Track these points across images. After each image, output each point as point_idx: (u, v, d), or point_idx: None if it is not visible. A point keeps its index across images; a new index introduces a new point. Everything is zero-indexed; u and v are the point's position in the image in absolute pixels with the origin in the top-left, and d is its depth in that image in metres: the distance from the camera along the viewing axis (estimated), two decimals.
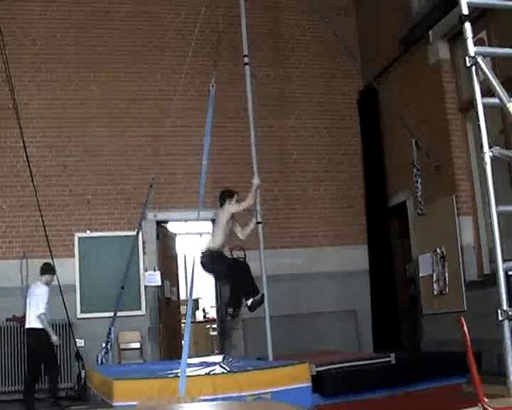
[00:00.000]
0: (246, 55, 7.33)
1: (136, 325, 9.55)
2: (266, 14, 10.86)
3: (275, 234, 9.84)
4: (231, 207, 6.42)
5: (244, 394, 4.93)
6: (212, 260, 6.29)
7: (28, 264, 9.25)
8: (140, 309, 9.64)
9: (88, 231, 9.65)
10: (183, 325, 10.61)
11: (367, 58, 10.76)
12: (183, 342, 6.86)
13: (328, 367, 5.95)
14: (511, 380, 2.94)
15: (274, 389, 5.08)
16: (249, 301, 6.41)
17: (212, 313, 13.00)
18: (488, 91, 3.41)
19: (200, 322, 13.61)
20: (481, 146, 3.25)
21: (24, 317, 8.94)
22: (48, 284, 8.13)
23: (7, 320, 8.95)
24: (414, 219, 9.46)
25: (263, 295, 6.51)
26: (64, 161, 9.75)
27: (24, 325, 8.72)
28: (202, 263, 6.32)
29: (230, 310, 6.43)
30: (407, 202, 9.80)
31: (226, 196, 6.51)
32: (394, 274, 10.23)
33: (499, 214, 3.16)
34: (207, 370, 5.68)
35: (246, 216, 6.97)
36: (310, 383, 5.39)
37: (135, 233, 9.56)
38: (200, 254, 6.40)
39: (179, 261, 11.97)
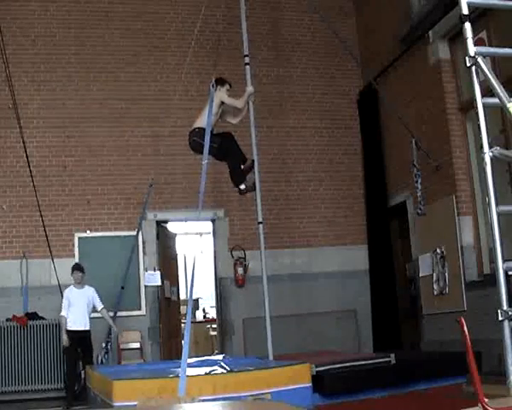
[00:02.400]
0: (246, 55, 7.33)
1: (136, 325, 9.54)
2: (266, 14, 10.85)
3: (275, 234, 9.84)
4: (222, 94, 6.93)
5: (244, 394, 4.93)
6: (202, 138, 6.50)
7: (28, 264, 9.25)
8: (140, 309, 9.64)
9: (88, 231, 9.65)
10: (183, 325, 10.62)
11: (367, 58, 10.75)
12: (183, 342, 6.87)
13: (328, 367, 5.95)
14: (511, 380, 2.94)
15: (274, 389, 5.08)
16: (242, 186, 6.98)
17: (212, 313, 13.00)
18: (488, 91, 3.41)
19: (200, 322, 13.60)
20: (481, 146, 3.25)
21: (25, 317, 8.96)
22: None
23: (7, 320, 8.94)
24: (414, 219, 9.46)
25: (254, 183, 6.99)
26: (64, 161, 9.75)
27: (26, 325, 8.76)
28: (194, 141, 6.78)
29: (242, 186, 6.99)
30: (407, 202, 9.80)
31: (218, 82, 6.97)
32: (394, 274, 10.23)
33: (499, 214, 3.16)
34: (207, 370, 5.67)
35: None
36: (310, 383, 5.39)
37: (135, 233, 9.57)
38: (190, 134, 6.91)
39: (179, 261, 11.97)
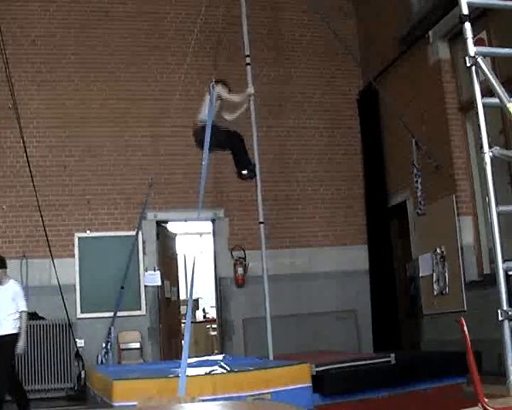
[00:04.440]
0: (247, 56, 7.33)
1: (136, 325, 9.55)
2: (266, 14, 10.86)
3: (275, 234, 9.82)
4: (221, 90, 7.00)
5: (244, 394, 4.92)
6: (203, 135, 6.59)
7: (28, 264, 9.25)
8: (140, 309, 9.64)
9: (88, 231, 9.65)
10: (183, 325, 10.61)
11: (367, 58, 10.76)
12: (183, 342, 6.86)
13: (328, 367, 5.94)
14: (511, 380, 2.94)
15: (274, 389, 5.08)
16: (245, 172, 7.00)
17: (212, 313, 13.00)
18: (488, 91, 3.41)
19: (200, 322, 13.61)
20: (481, 146, 3.25)
21: None
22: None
23: None
24: (414, 219, 9.46)
25: (254, 168, 7.00)
26: (64, 161, 9.75)
27: None
28: (199, 138, 6.78)
29: (245, 172, 7.00)
30: (407, 202, 9.80)
31: (219, 81, 7.10)
32: (394, 274, 10.23)
33: (499, 214, 3.16)
34: (207, 370, 5.67)
35: None
36: (310, 383, 5.38)
37: (135, 233, 9.57)
38: (195, 131, 7.01)
39: (179, 261, 11.97)
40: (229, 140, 7.00)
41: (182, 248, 12.66)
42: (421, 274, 9.30)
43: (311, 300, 10.08)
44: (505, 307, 3.02)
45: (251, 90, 7.18)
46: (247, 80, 7.26)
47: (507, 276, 3.12)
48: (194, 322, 12.31)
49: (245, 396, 4.87)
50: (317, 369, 5.73)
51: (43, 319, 9.07)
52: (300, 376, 5.35)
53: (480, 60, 3.28)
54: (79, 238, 9.60)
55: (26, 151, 9.09)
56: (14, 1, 9.86)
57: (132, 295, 9.48)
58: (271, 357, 6.56)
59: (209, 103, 6.74)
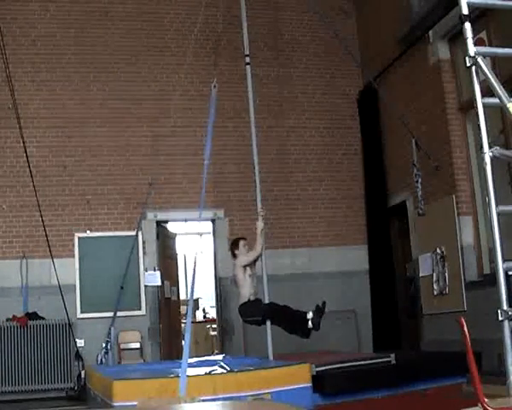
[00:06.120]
0: (247, 55, 7.33)
1: (136, 325, 9.55)
2: (266, 14, 10.85)
3: (275, 234, 9.83)
4: (242, 259, 6.59)
5: (244, 394, 4.93)
6: (247, 312, 6.56)
7: (28, 264, 9.25)
8: (140, 309, 9.64)
9: (88, 231, 9.65)
10: (183, 325, 10.62)
11: (367, 58, 10.75)
12: (183, 342, 6.86)
13: (328, 367, 5.94)
14: (511, 380, 2.94)
15: (274, 389, 5.08)
16: (309, 324, 6.71)
17: (212, 313, 13.00)
18: (488, 91, 3.41)
19: (200, 322, 13.61)
20: (481, 146, 3.25)
21: (25, 317, 8.96)
22: None
23: (7, 320, 8.94)
24: (414, 219, 9.46)
25: (323, 305, 6.74)
26: (64, 161, 9.75)
27: (26, 325, 8.71)
28: (246, 320, 6.76)
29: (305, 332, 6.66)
30: (407, 202, 9.80)
31: (233, 247, 6.72)
32: (394, 274, 10.23)
33: (499, 214, 3.16)
34: (207, 370, 5.67)
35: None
36: (310, 383, 5.39)
37: (135, 233, 9.57)
38: (239, 311, 6.72)
39: (179, 261, 11.97)
40: (267, 313, 6.69)
41: (182, 248, 12.66)
42: (421, 274, 9.30)
43: (311, 300, 10.02)
44: (505, 307, 3.02)
45: (261, 224, 6.74)
46: (246, 81, 7.23)
47: (507, 276, 3.11)
48: (194, 322, 12.30)
49: (245, 396, 4.88)
50: (317, 369, 5.73)
51: (43, 319, 9.07)
52: (300, 376, 5.36)
53: (479, 60, 3.27)
54: (79, 238, 9.60)
55: (26, 151, 9.09)
56: (14, 1, 9.86)
57: (132, 295, 9.49)
58: (271, 357, 6.56)
59: (211, 101, 6.71)
